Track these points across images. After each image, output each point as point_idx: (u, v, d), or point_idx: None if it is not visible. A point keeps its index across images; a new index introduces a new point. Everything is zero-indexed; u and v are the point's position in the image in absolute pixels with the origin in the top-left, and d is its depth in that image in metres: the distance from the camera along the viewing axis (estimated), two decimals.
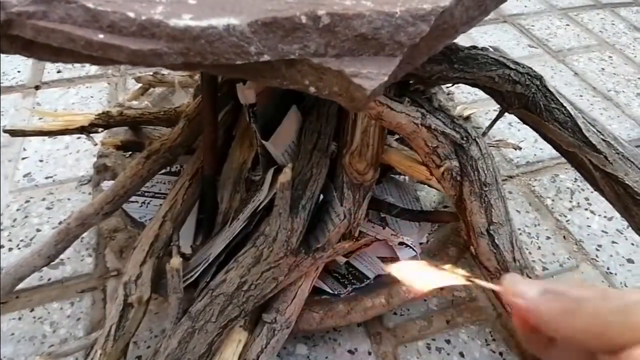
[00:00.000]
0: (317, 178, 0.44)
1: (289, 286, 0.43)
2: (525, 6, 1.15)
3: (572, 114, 0.45)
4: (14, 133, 0.57)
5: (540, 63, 0.95)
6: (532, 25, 1.07)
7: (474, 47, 0.48)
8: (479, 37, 1.03)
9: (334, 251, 0.43)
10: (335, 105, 0.49)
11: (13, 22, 0.23)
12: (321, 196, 0.46)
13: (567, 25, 1.08)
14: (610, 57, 0.98)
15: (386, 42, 0.22)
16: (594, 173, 0.44)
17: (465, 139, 0.45)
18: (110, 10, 0.21)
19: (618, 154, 0.43)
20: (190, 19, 0.21)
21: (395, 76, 0.25)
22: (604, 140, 0.44)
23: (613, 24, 1.10)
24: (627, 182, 0.41)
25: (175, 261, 0.38)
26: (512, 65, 0.47)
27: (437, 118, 0.43)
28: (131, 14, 0.21)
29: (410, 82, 0.52)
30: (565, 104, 0.46)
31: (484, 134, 0.58)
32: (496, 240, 0.46)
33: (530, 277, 0.47)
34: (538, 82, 0.47)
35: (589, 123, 0.45)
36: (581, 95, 0.87)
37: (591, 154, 0.44)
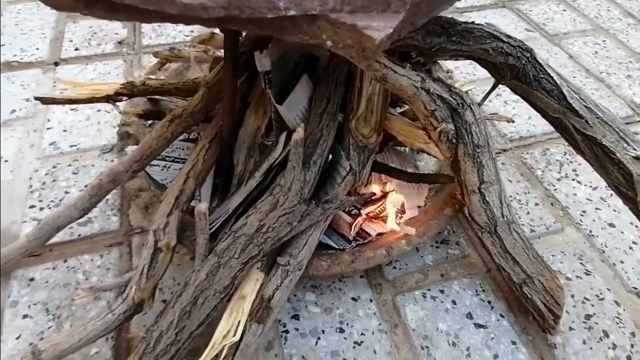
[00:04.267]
0: (326, 138, 0.49)
1: (300, 234, 0.48)
2: None
3: (558, 82, 0.50)
4: (44, 101, 0.62)
5: (536, 46, 0.99)
6: (530, 10, 1.11)
7: (471, 23, 0.52)
8: (478, 21, 1.07)
9: (340, 203, 0.48)
10: (343, 74, 0.54)
11: None
12: (330, 156, 0.51)
13: (564, 10, 1.12)
14: (604, 41, 1.02)
15: (392, 0, 0.27)
16: (576, 136, 0.49)
17: (460, 105, 0.50)
18: None
19: (597, 118, 0.47)
20: None
21: (400, 32, 0.30)
22: (585, 106, 0.48)
23: (608, 10, 1.14)
24: (604, 143, 0.46)
25: (202, 206, 0.43)
26: (504, 39, 0.51)
27: (437, 85, 0.48)
28: None
29: (412, 54, 0.56)
30: (552, 74, 0.50)
31: (479, 104, 0.62)
32: (487, 197, 0.51)
33: (517, 232, 0.52)
34: (528, 54, 0.51)
35: (573, 91, 0.49)
36: (574, 77, 0.92)
37: (574, 119, 0.49)
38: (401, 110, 0.68)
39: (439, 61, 0.79)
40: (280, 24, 0.29)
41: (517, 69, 0.51)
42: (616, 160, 0.46)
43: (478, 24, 0.52)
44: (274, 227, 0.44)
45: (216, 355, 0.43)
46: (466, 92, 0.74)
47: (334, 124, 0.51)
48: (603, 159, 0.47)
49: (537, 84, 0.51)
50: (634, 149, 0.45)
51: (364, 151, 0.52)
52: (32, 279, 0.57)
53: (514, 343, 0.52)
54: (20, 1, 1.07)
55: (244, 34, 0.55)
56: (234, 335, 0.43)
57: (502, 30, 0.52)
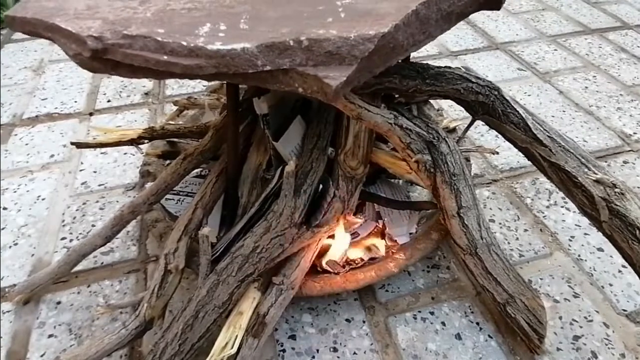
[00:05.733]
0: (316, 170, 0.55)
1: (293, 255, 0.53)
2: (517, 34, 1.26)
3: (523, 116, 0.55)
4: (79, 145, 0.72)
5: (527, 84, 1.06)
6: (522, 51, 1.19)
7: (444, 67, 0.59)
8: (472, 62, 1.15)
9: (329, 227, 0.53)
10: (332, 115, 0.61)
11: (108, 50, 0.37)
12: (321, 186, 0.57)
13: (555, 50, 1.19)
14: (595, 76, 1.07)
15: (345, 55, 0.34)
16: (543, 163, 0.53)
17: (436, 138, 0.55)
18: (171, 41, 0.34)
19: (560, 146, 0.52)
20: (220, 44, 0.34)
21: (358, 79, 0.37)
22: (548, 136, 0.53)
23: (600, 47, 1.20)
24: (567, 168, 0.51)
25: (206, 229, 0.49)
26: (474, 80, 0.58)
27: (411, 121, 0.54)
28: (184, 43, 0.34)
29: (395, 95, 0.63)
30: (518, 109, 0.56)
31: (460, 138, 0.68)
32: (465, 221, 0.55)
33: (496, 253, 0.55)
34: (496, 92, 0.57)
35: (537, 123, 0.55)
36: (564, 111, 0.96)
37: (539, 148, 0.53)
38: (393, 146, 0.74)
39: (430, 101, 0.86)
40: (261, 76, 0.36)
41: (487, 106, 0.57)
42: (579, 183, 0.50)
43: (450, 68, 0.58)
44: (267, 248, 0.49)
45: None
46: (455, 127, 0.81)
47: (323, 157, 0.57)
48: (568, 183, 0.51)
49: (506, 118, 0.56)
50: (595, 173, 0.49)
51: (351, 181, 0.58)
52: (59, 302, 0.63)
53: None
54: (62, 61, 1.23)
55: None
56: (232, 347, 0.47)
57: (475, 73, 0.59)
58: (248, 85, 0.64)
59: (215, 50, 0.33)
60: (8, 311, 0.62)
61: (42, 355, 0.57)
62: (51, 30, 0.38)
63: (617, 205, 0.47)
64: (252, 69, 0.34)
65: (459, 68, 0.60)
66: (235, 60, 0.34)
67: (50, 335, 0.59)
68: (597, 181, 0.48)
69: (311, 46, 0.34)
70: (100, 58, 0.37)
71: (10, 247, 0.71)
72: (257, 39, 0.34)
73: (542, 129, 0.54)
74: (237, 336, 0.48)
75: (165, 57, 0.34)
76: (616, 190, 0.47)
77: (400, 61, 0.61)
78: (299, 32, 0.35)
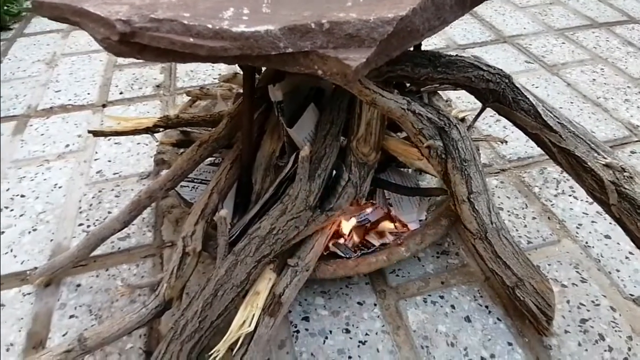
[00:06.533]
0: (329, 155, 0.57)
1: (308, 238, 0.54)
2: (524, 28, 1.27)
3: (534, 103, 0.56)
4: (96, 133, 0.73)
5: (535, 76, 1.06)
6: (530, 44, 1.19)
7: (455, 55, 0.60)
8: (480, 55, 1.15)
9: (342, 211, 0.55)
10: (345, 102, 0.62)
11: (135, 33, 0.38)
12: (334, 172, 0.59)
13: (563, 43, 1.19)
14: (602, 69, 1.08)
15: (365, 38, 0.35)
16: (553, 149, 0.54)
17: (447, 124, 0.57)
18: (197, 24, 0.36)
19: (570, 132, 0.53)
20: (244, 27, 0.35)
21: (376, 62, 0.38)
22: (559, 122, 0.54)
23: (607, 41, 1.20)
24: (576, 153, 0.52)
25: (223, 212, 0.50)
26: (484, 68, 0.59)
27: (423, 107, 0.56)
28: (209, 25, 0.35)
29: (407, 84, 0.65)
30: (528, 96, 0.57)
31: (470, 126, 0.69)
32: (476, 206, 0.56)
33: (506, 238, 0.56)
34: (507, 80, 0.58)
35: (547, 110, 0.56)
36: (572, 102, 0.97)
37: (549, 134, 0.54)
38: (404, 135, 0.76)
39: (439, 92, 0.87)
40: (283, 58, 0.38)
41: (497, 93, 0.58)
42: (588, 168, 0.51)
43: (461, 56, 0.60)
44: (283, 229, 0.51)
45: (230, 348, 0.49)
46: (463, 117, 0.82)
47: (336, 143, 0.59)
48: (577, 168, 0.52)
49: (516, 105, 0.57)
50: (604, 158, 0.50)
51: (364, 167, 0.60)
52: (79, 285, 0.65)
53: (510, 344, 0.56)
54: (75, 54, 1.24)
55: (262, 70, 0.65)
56: (249, 325, 0.49)
57: (483, 61, 0.60)
58: (264, 73, 0.66)
59: (239, 33, 0.35)
60: (29, 293, 0.64)
61: (63, 335, 0.59)
62: (79, 15, 0.40)
63: (626, 188, 0.48)
64: (274, 51, 0.36)
65: (470, 57, 0.61)
66: (259, 42, 0.35)
67: (71, 316, 0.61)
68: (607, 165, 0.50)
69: (332, 29, 0.35)
70: (128, 42, 0.39)
71: (29, 232, 0.73)
72: (280, 22, 0.35)
73: (552, 115, 0.55)
74: (254, 315, 0.50)
75: (192, 40, 0.35)
76: (625, 174, 0.48)
77: (412, 49, 0.62)
78: (320, 15, 0.36)
